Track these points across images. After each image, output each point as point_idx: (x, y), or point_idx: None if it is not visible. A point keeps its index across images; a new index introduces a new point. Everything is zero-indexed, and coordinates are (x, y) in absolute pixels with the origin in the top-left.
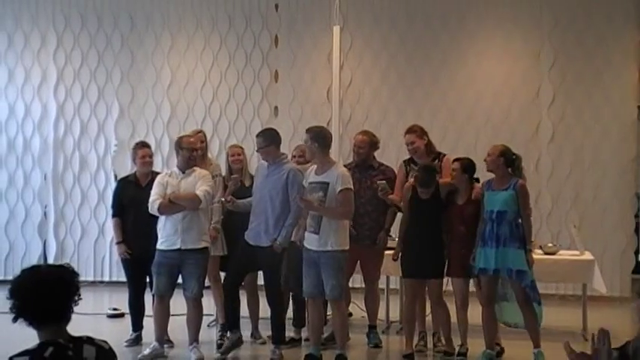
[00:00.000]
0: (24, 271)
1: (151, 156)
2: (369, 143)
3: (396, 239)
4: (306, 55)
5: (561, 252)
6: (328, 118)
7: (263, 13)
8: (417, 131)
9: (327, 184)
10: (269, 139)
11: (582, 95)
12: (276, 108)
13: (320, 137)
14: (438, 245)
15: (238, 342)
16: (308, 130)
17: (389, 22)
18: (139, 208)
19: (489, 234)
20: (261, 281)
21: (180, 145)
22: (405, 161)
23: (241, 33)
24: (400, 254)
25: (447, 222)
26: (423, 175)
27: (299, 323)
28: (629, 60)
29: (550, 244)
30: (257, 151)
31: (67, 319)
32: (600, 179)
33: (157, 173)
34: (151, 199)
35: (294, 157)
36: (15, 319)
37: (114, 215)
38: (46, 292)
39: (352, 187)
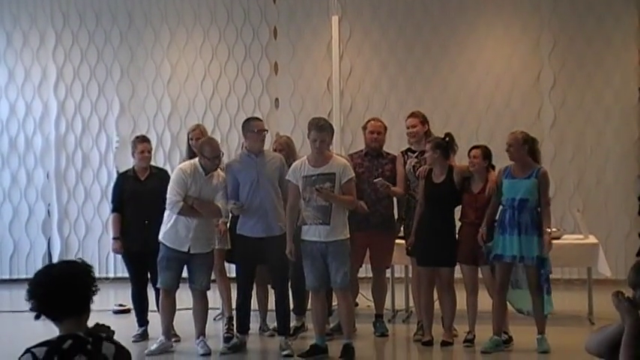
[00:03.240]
0: (38, 272)
1: (150, 151)
2: (384, 128)
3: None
4: (306, 47)
5: (565, 236)
6: (329, 109)
7: (261, 6)
8: (419, 116)
9: (334, 174)
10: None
11: (583, 79)
12: (276, 100)
13: (332, 130)
14: (451, 231)
15: (243, 345)
16: (323, 128)
17: (388, 10)
18: (140, 201)
19: (510, 221)
20: None
21: (202, 153)
22: (402, 152)
23: (240, 26)
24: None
25: (461, 209)
26: (442, 142)
27: (300, 311)
28: (629, 42)
29: (554, 229)
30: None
31: (88, 311)
32: (603, 163)
33: (156, 167)
34: (173, 197)
35: (275, 150)
36: (37, 317)
37: (113, 210)
38: (63, 285)
39: None
